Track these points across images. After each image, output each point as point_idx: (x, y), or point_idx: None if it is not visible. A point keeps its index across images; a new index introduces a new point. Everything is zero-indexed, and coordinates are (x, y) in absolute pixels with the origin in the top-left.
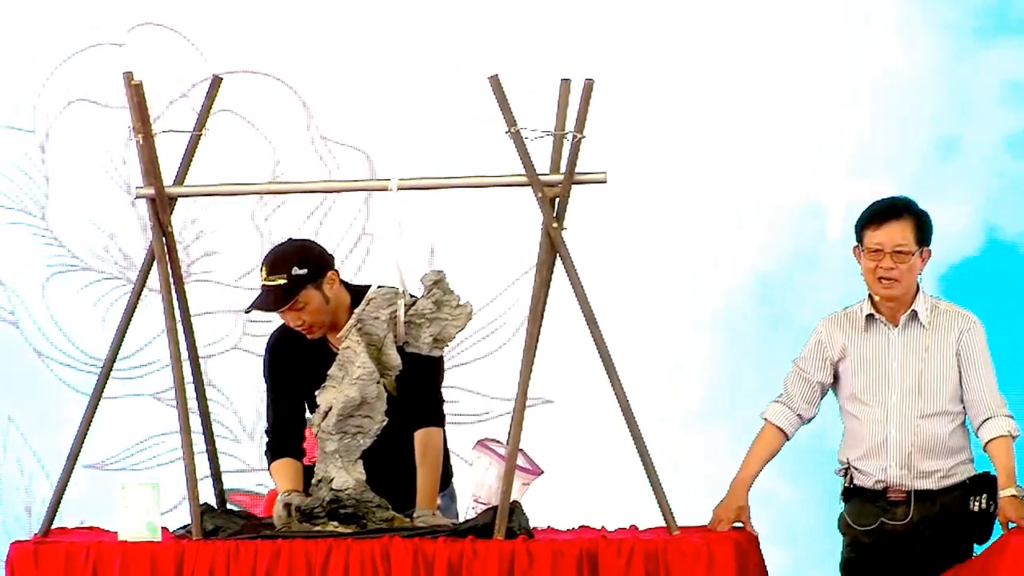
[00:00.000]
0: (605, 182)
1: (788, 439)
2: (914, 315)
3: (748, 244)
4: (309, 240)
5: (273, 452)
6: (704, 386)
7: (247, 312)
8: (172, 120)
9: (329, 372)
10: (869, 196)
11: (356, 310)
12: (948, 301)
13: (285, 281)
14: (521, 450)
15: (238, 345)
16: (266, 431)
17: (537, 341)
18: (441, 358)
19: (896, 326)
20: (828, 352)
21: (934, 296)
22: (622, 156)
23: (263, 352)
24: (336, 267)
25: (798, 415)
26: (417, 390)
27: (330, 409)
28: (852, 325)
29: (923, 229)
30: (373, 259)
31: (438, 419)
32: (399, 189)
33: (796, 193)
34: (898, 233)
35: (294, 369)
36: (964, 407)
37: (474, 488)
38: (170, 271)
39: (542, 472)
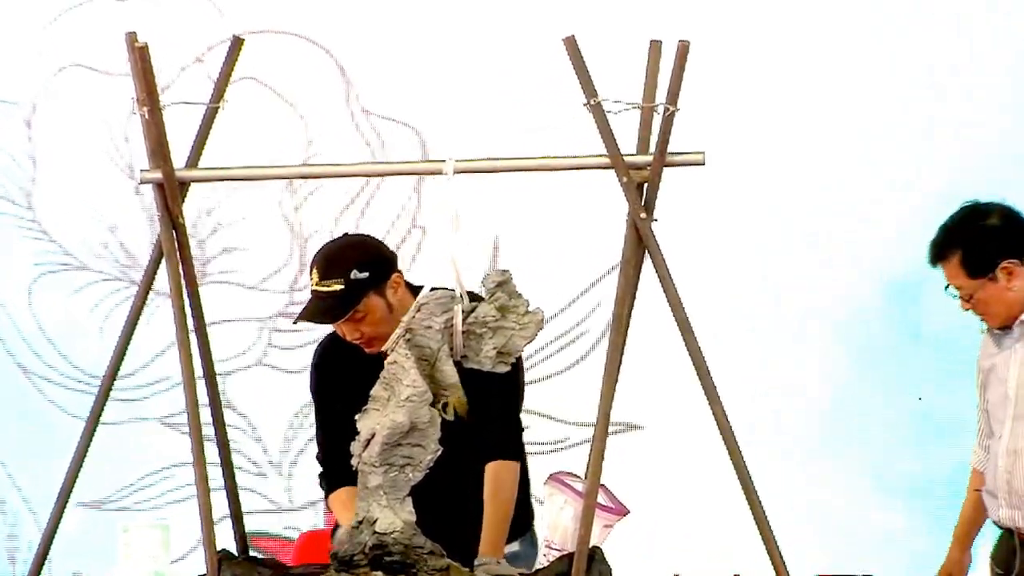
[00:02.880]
0: (703, 164)
1: None
2: None
3: (874, 242)
4: (368, 236)
5: (329, 482)
6: (823, 411)
7: (295, 323)
8: (184, 90)
9: (372, 392)
10: (1020, 186)
11: (404, 317)
12: None
13: (343, 287)
14: (602, 486)
15: (263, 360)
16: (318, 458)
17: (622, 354)
18: (519, 373)
19: (1012, 334)
20: (980, 372)
21: None
22: (723, 134)
23: (310, 366)
24: (400, 268)
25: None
26: (489, 413)
27: (373, 436)
28: (991, 336)
29: (976, 257)
30: (425, 257)
31: (514, 450)
32: (456, 172)
33: (933, 181)
34: (948, 277)
35: (346, 385)
36: None
37: (547, 531)
38: (182, 271)
39: (628, 512)
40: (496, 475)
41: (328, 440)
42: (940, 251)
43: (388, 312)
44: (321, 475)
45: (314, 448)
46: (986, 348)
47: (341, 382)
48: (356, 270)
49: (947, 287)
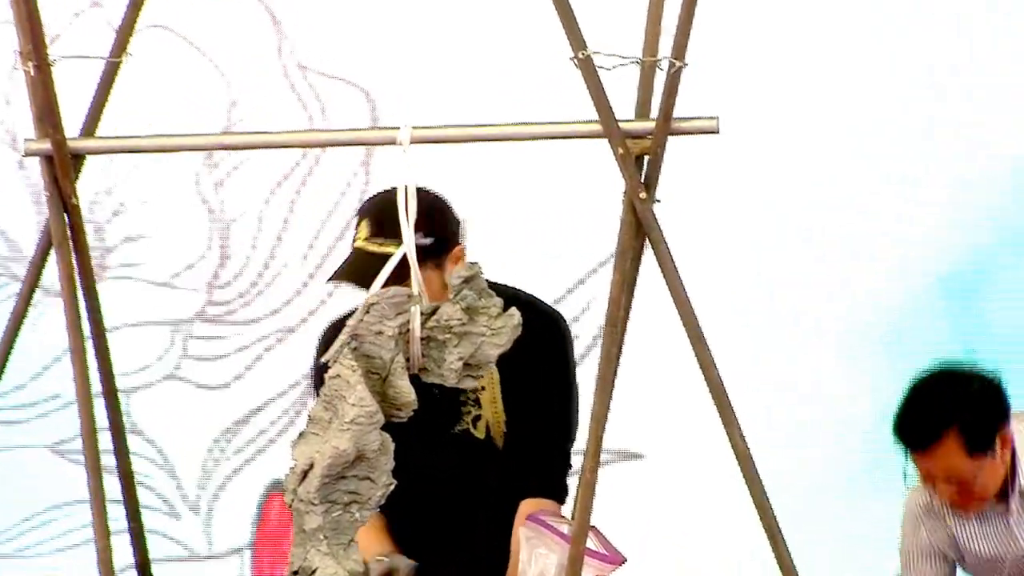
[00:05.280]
0: (717, 132)
1: None
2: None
3: (926, 227)
4: (436, 194)
5: None
6: (862, 436)
7: (329, 281)
8: (79, 41)
9: (310, 413)
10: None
11: (349, 321)
12: None
13: (397, 249)
14: (593, 527)
15: (176, 373)
16: None
17: (617, 366)
18: (574, 387)
19: (1011, 514)
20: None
21: None
22: (741, 96)
23: (313, 358)
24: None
25: None
26: (535, 436)
27: (311, 468)
28: (941, 512)
29: (979, 433)
30: None
31: (560, 488)
32: (413, 143)
33: (933, 176)
34: (940, 463)
35: None
36: None
37: None
38: (75, 264)
39: (624, 560)
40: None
41: None
42: (932, 431)
43: (443, 292)
44: None
45: (239, 484)
46: (934, 521)
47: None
48: (428, 232)
49: (906, 475)
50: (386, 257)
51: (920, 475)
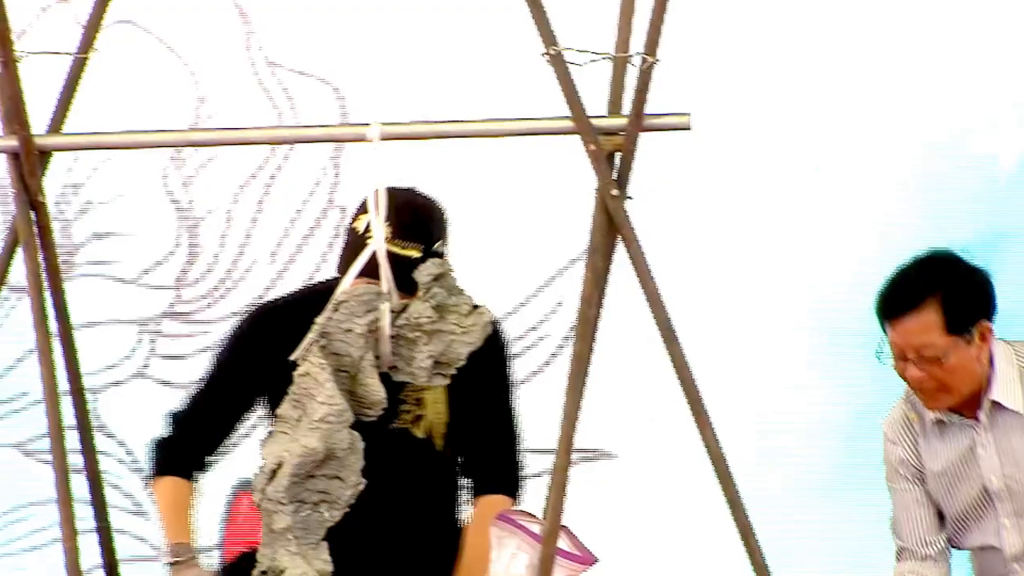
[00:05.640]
0: (689, 128)
1: None
2: (997, 407)
3: (903, 223)
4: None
5: (166, 459)
6: (836, 435)
7: (356, 278)
8: (46, 37)
9: (279, 412)
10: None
11: (318, 318)
12: None
13: (419, 255)
14: (564, 527)
15: (144, 372)
16: (173, 424)
17: (588, 365)
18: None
19: (980, 422)
20: (910, 473)
21: (1021, 352)
22: (713, 92)
23: (232, 332)
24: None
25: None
26: (486, 433)
27: (280, 466)
28: (913, 431)
29: (960, 308)
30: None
31: (515, 484)
32: (383, 139)
33: (913, 167)
34: (915, 331)
35: (266, 375)
36: None
37: None
38: (42, 261)
39: (596, 560)
40: (484, 515)
41: (201, 418)
42: (914, 296)
43: None
44: (161, 447)
45: (207, 483)
46: (907, 440)
47: (261, 368)
48: (441, 240)
49: (879, 352)
50: (409, 259)
51: (893, 353)
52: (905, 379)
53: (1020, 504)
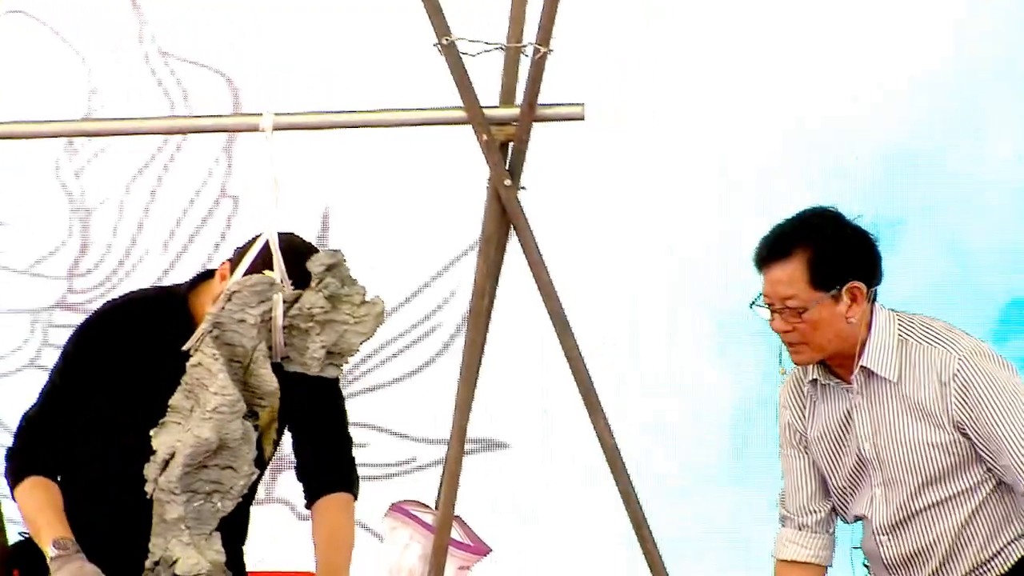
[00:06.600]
0: (582, 118)
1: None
2: (868, 373)
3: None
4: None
5: (28, 464)
6: (728, 425)
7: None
8: None
9: (172, 402)
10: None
11: (211, 308)
12: (929, 326)
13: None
14: (457, 518)
15: (36, 362)
16: (20, 434)
17: (481, 355)
18: (337, 380)
19: (853, 386)
20: (791, 432)
21: (907, 322)
22: (607, 82)
23: (79, 327)
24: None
25: (819, 526)
26: (315, 432)
27: (172, 456)
28: (803, 395)
29: (827, 264)
30: (237, 234)
31: (351, 480)
32: (276, 129)
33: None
34: (782, 281)
35: (111, 373)
36: (992, 475)
37: (386, 574)
38: None
39: (489, 551)
40: (335, 515)
41: (48, 420)
42: (785, 245)
43: None
44: (16, 454)
45: None
46: (795, 404)
47: (107, 365)
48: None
49: (754, 301)
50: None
51: (764, 295)
52: (773, 330)
53: (889, 474)
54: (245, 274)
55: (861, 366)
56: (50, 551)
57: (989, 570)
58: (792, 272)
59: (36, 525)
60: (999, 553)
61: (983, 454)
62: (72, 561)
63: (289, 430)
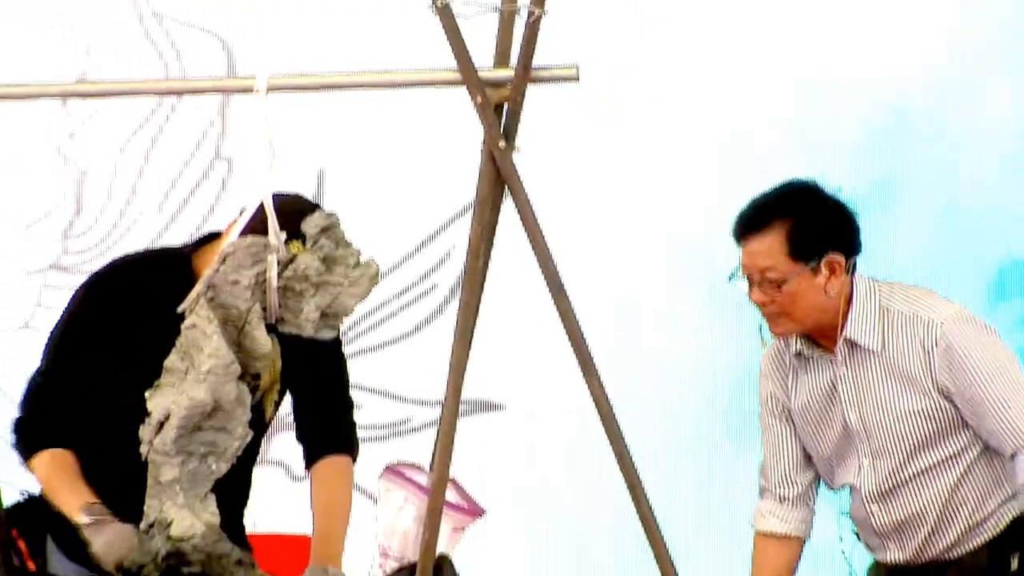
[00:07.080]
0: (577, 80)
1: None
2: (852, 345)
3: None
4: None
5: (40, 435)
6: (726, 388)
7: None
8: None
9: (166, 364)
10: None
11: (206, 271)
12: (909, 294)
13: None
14: (452, 480)
15: (30, 323)
16: (26, 407)
17: (476, 317)
18: (339, 343)
19: (837, 357)
20: (773, 405)
21: (888, 291)
22: (602, 45)
23: (82, 287)
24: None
25: (799, 498)
26: (315, 395)
27: (167, 418)
28: (785, 365)
29: (805, 236)
30: (232, 196)
31: (351, 442)
32: (270, 90)
33: (825, 119)
34: (760, 253)
35: (120, 335)
36: (978, 439)
37: (381, 536)
38: None
39: (483, 512)
40: (333, 475)
41: (57, 385)
42: (763, 217)
43: None
44: (25, 425)
45: None
46: (777, 374)
47: (112, 325)
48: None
49: (733, 274)
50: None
51: (743, 267)
52: (752, 302)
53: (876, 444)
54: (242, 235)
55: (845, 337)
56: (83, 518)
57: (981, 532)
58: (771, 244)
59: (64, 491)
60: (991, 516)
61: (968, 419)
62: (108, 525)
63: (290, 392)
